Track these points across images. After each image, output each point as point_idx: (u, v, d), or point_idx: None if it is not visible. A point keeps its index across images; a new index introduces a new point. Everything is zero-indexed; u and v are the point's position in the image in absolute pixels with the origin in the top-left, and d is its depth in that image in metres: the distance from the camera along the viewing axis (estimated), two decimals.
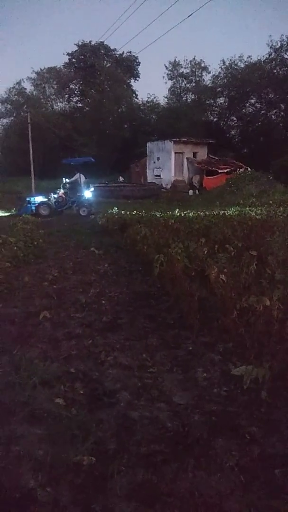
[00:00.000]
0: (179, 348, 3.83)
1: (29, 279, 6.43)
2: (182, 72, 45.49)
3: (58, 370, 3.38)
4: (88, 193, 20.70)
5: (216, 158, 35.55)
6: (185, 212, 13.39)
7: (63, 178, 21.51)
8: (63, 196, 20.45)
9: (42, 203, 20.22)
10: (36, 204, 20.10)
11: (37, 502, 1.98)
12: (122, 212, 14.28)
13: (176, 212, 13.38)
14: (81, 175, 20.94)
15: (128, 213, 13.52)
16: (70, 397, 2.96)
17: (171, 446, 2.40)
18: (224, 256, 5.47)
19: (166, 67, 45.66)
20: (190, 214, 12.60)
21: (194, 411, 2.77)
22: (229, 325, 3.85)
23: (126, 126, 46.21)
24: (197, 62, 44.59)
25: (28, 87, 49.69)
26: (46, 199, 20.46)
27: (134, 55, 50.04)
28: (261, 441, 2.43)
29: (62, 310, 4.97)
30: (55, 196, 20.51)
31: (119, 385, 3.15)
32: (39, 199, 20.59)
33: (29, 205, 20.19)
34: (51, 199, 20.41)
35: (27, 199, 20.78)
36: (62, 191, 20.63)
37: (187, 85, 46.09)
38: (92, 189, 21.17)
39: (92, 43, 48.42)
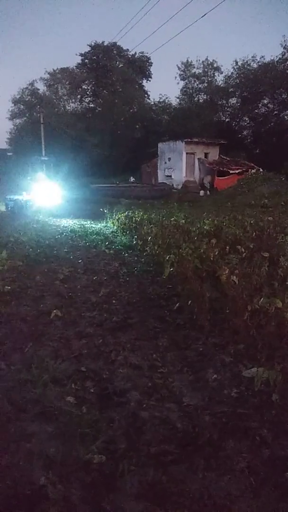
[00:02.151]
0: (189, 349, 3.82)
1: (40, 278, 6.48)
2: (195, 72, 45.32)
3: (69, 368, 3.41)
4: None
5: (228, 158, 35.34)
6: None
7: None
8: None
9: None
10: None
11: (48, 499, 2.00)
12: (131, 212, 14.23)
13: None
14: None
15: (136, 213, 13.42)
16: (80, 395, 2.98)
17: (181, 447, 2.40)
18: (235, 257, 5.45)
19: (179, 68, 45.55)
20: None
21: (205, 412, 2.76)
22: (240, 326, 3.83)
23: (137, 126, 46.26)
24: (209, 63, 44.39)
25: (41, 87, 50.10)
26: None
27: (146, 56, 50.10)
28: (271, 443, 2.42)
29: (73, 309, 5.00)
30: (13, 197, 19.99)
31: (130, 384, 3.16)
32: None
33: None
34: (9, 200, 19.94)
35: None
36: (25, 192, 20.45)
37: (199, 86, 45.88)
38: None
39: (105, 43, 48.63)
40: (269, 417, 2.68)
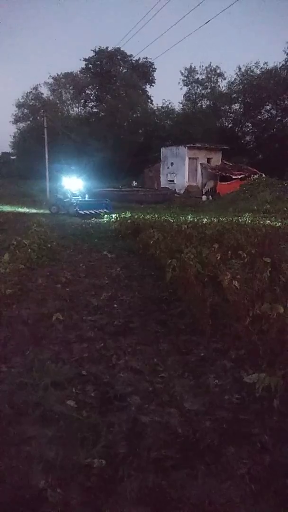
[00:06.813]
0: (190, 354, 3.81)
1: (42, 281, 6.48)
2: (198, 78, 45.59)
3: (70, 372, 3.40)
4: None
5: (230, 164, 35.43)
6: (198, 218, 13.26)
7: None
8: None
9: None
10: None
11: (47, 503, 2.00)
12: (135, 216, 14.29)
13: (189, 217, 13.27)
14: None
15: (141, 215, 13.49)
16: (81, 399, 2.97)
17: (181, 452, 2.39)
18: (237, 263, 5.45)
19: (182, 73, 45.84)
20: (204, 220, 12.55)
21: (205, 417, 2.75)
22: (242, 332, 3.82)
23: (140, 131, 46.44)
24: (212, 68, 44.66)
25: (45, 92, 50.56)
26: None
27: (150, 61, 50.41)
28: (272, 449, 2.40)
29: (74, 313, 5.00)
30: None
31: (130, 389, 3.15)
32: None
33: None
34: None
35: None
36: None
37: (203, 91, 46.11)
38: None
39: (109, 49, 48.95)
40: (270, 423, 2.66)
